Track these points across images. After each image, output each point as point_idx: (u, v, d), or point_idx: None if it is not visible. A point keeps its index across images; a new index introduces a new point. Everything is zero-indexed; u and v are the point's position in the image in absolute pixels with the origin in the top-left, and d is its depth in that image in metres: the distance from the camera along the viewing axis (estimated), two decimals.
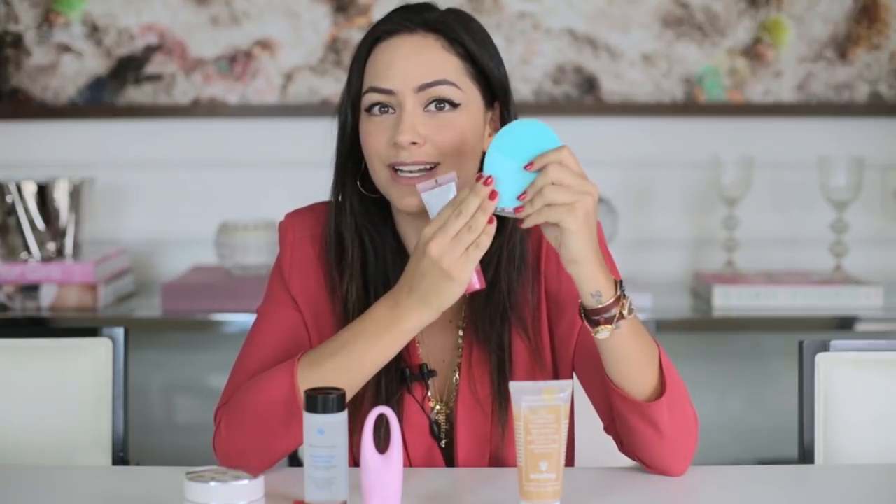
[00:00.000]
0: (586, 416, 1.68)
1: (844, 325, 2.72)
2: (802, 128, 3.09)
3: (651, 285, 2.88)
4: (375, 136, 1.59)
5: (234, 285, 2.78)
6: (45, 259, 2.84)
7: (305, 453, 1.40)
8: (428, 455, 1.65)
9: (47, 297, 2.78)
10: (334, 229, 1.66)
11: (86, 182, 2.90)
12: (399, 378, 1.63)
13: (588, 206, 1.45)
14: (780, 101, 3.07)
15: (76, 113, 3.06)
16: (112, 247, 2.98)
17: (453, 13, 1.64)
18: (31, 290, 2.78)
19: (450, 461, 1.66)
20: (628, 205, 3.07)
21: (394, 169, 1.58)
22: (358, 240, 1.65)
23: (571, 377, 1.66)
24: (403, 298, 1.50)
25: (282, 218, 1.72)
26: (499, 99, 1.65)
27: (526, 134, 1.48)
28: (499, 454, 1.64)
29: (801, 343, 1.81)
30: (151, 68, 3.06)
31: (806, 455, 1.78)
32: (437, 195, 1.50)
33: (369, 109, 1.60)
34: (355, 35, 3.02)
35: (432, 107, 1.59)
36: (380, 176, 1.61)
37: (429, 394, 1.66)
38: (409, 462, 1.63)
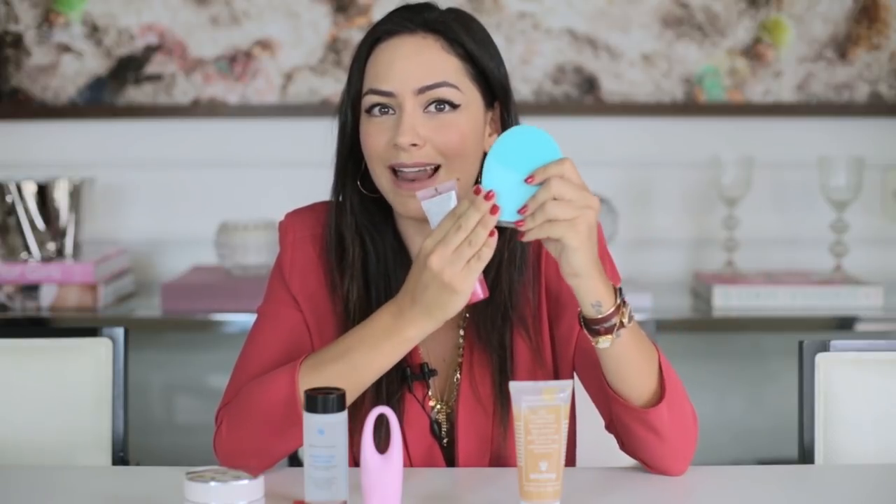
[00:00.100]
0: (587, 416, 1.68)
1: (844, 325, 2.71)
2: (802, 128, 3.09)
3: (651, 285, 2.88)
4: (375, 138, 1.59)
5: (234, 285, 2.78)
6: (45, 259, 2.84)
7: (305, 453, 1.40)
8: (428, 454, 1.65)
9: (47, 297, 2.78)
10: (335, 229, 1.66)
11: (86, 182, 2.90)
12: (400, 377, 1.63)
13: (590, 220, 1.44)
14: (780, 101, 3.07)
15: (76, 113, 3.06)
16: (112, 247, 2.98)
17: (453, 13, 1.64)
18: (31, 290, 2.78)
19: (450, 460, 1.66)
20: (628, 205, 3.07)
21: (394, 171, 1.58)
22: (359, 240, 1.65)
23: (572, 377, 1.66)
24: (407, 308, 1.49)
25: (282, 218, 1.72)
26: (499, 99, 1.64)
27: (526, 143, 1.46)
28: (500, 454, 1.64)
29: (801, 343, 1.81)
30: (151, 68, 3.06)
31: (806, 455, 1.78)
32: (437, 203, 1.49)
33: (369, 110, 1.60)
34: (355, 35, 3.01)
35: (432, 108, 1.58)
36: (381, 179, 1.60)
37: (429, 393, 1.66)
38: (409, 461, 1.63)
